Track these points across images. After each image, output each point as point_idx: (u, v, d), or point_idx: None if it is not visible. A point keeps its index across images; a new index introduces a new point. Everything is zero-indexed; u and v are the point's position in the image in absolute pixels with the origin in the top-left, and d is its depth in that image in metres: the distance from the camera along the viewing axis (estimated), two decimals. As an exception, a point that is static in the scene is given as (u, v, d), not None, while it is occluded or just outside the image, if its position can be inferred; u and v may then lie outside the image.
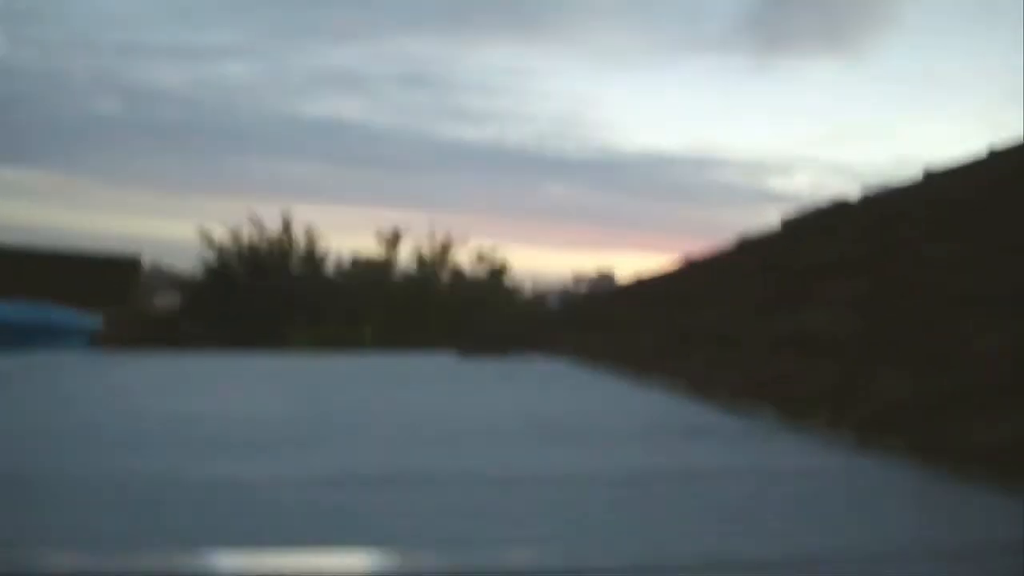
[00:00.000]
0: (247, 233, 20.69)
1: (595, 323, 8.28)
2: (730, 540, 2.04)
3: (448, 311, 18.66)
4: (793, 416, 3.63)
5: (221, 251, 20.60)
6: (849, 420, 3.35)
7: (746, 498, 2.46)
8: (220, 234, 20.67)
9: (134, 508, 2.35)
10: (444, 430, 3.64)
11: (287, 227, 20.80)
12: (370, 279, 19.94)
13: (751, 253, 8.65)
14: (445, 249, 20.50)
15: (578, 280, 24.17)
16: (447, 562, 1.87)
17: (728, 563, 1.88)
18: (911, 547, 1.97)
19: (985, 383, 3.37)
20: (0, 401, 4.43)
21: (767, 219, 9.74)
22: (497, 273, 20.56)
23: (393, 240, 20.71)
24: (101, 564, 1.85)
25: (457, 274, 20.70)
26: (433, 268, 20.69)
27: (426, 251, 20.61)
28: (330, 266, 21.15)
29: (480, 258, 20.44)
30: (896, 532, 2.10)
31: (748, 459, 3.00)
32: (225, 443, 3.35)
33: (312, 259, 20.74)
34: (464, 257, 20.68)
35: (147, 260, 22.62)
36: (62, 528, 2.14)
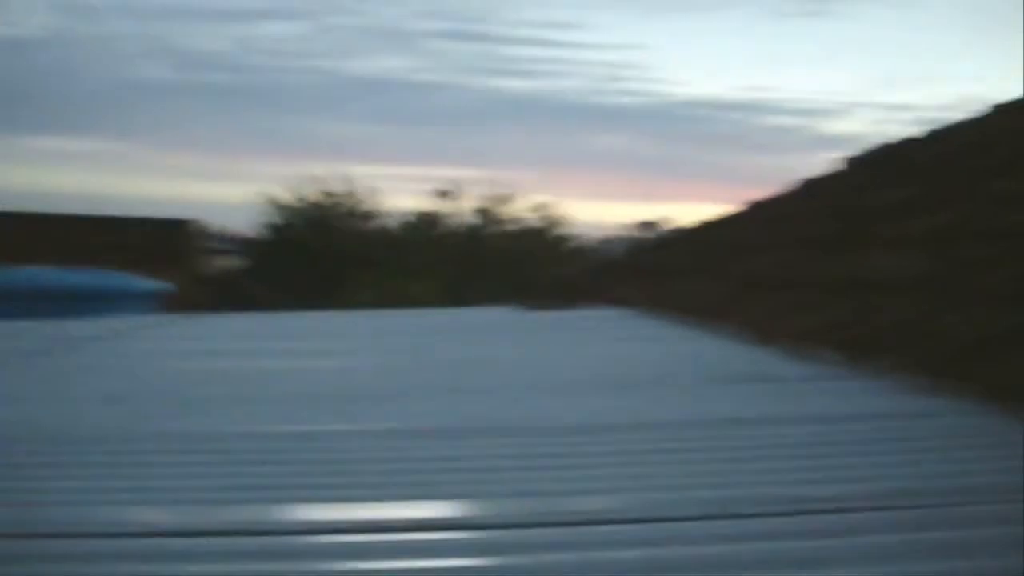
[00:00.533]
0: (310, 193, 20.84)
1: (656, 271, 8.27)
2: (803, 482, 2.06)
3: (508, 263, 18.69)
4: (860, 360, 3.62)
5: (286, 211, 20.79)
6: (918, 362, 3.33)
7: (817, 442, 2.47)
8: (283, 194, 20.84)
9: (216, 464, 2.43)
10: (513, 382, 3.69)
11: (347, 185, 20.93)
12: (430, 234, 20.04)
13: (814, 195, 8.54)
14: (502, 201, 20.51)
15: (636, 229, 24.03)
16: (523, 512, 1.92)
17: (803, 503, 1.90)
18: (988, 485, 1.98)
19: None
20: (74, 365, 4.56)
21: (824, 165, 9.58)
22: (554, 224, 20.53)
23: (450, 195, 20.76)
24: (187, 520, 1.93)
25: (515, 226, 20.70)
26: (491, 221, 20.70)
27: (483, 204, 20.63)
28: (390, 222, 21.27)
29: (537, 210, 20.43)
30: (973, 471, 2.11)
31: (816, 403, 3.01)
32: (300, 400, 3.44)
33: (373, 216, 20.88)
34: (521, 210, 20.68)
35: (202, 223, 22.89)
36: (145, 487, 2.22)
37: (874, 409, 2.87)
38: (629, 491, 2.04)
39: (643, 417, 2.89)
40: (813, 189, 8.98)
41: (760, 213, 9.33)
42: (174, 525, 1.91)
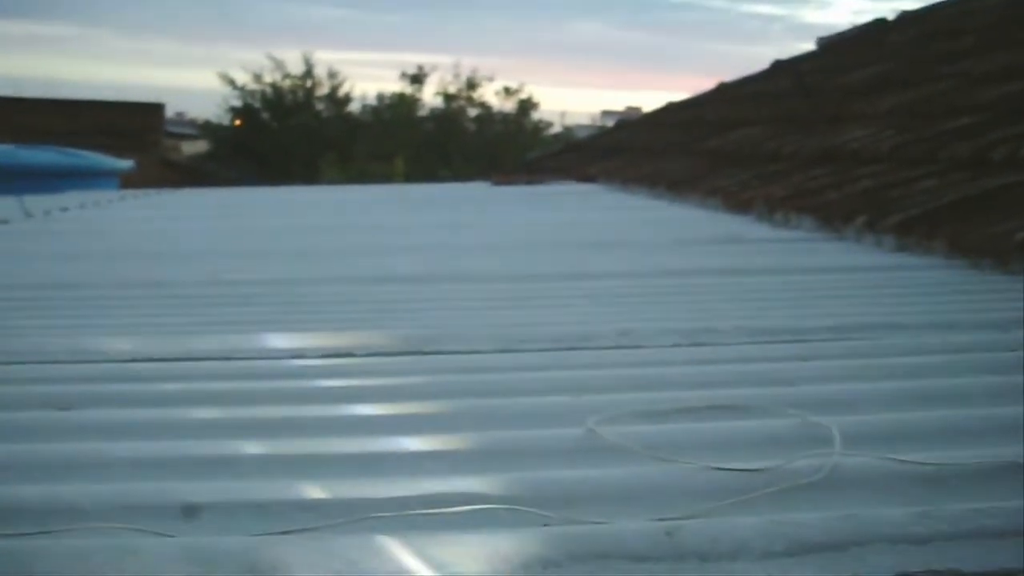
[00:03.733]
0: (270, 75, 20.42)
1: (625, 150, 8.22)
2: (772, 317, 2.07)
3: (476, 146, 18.53)
4: (831, 224, 3.63)
5: (244, 93, 20.39)
6: (887, 225, 3.34)
7: (788, 288, 2.48)
8: (242, 77, 20.42)
9: (179, 306, 2.41)
10: (482, 241, 3.67)
11: (309, 68, 20.52)
12: (397, 116, 19.74)
13: (784, 76, 8.47)
14: (472, 86, 20.20)
15: (607, 116, 23.84)
16: (494, 338, 1.91)
17: (772, 334, 1.91)
18: (950, 320, 2.00)
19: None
20: (37, 231, 4.48)
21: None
22: (525, 108, 20.29)
23: (418, 78, 20.41)
24: (150, 348, 1.91)
25: (484, 110, 20.44)
26: (460, 104, 20.40)
27: (452, 89, 20.30)
28: (355, 106, 20.91)
29: (507, 93, 20.14)
30: (935, 309, 2.13)
31: (788, 259, 3.01)
32: (267, 254, 3.41)
33: (336, 99, 20.53)
34: (491, 95, 20.40)
35: (171, 109, 22.44)
36: (106, 323, 2.20)
37: (845, 263, 2.88)
38: (603, 322, 2.03)
39: (616, 268, 2.88)
40: (785, 70, 8.91)
41: (729, 93, 9.26)
42: (138, 353, 1.89)
